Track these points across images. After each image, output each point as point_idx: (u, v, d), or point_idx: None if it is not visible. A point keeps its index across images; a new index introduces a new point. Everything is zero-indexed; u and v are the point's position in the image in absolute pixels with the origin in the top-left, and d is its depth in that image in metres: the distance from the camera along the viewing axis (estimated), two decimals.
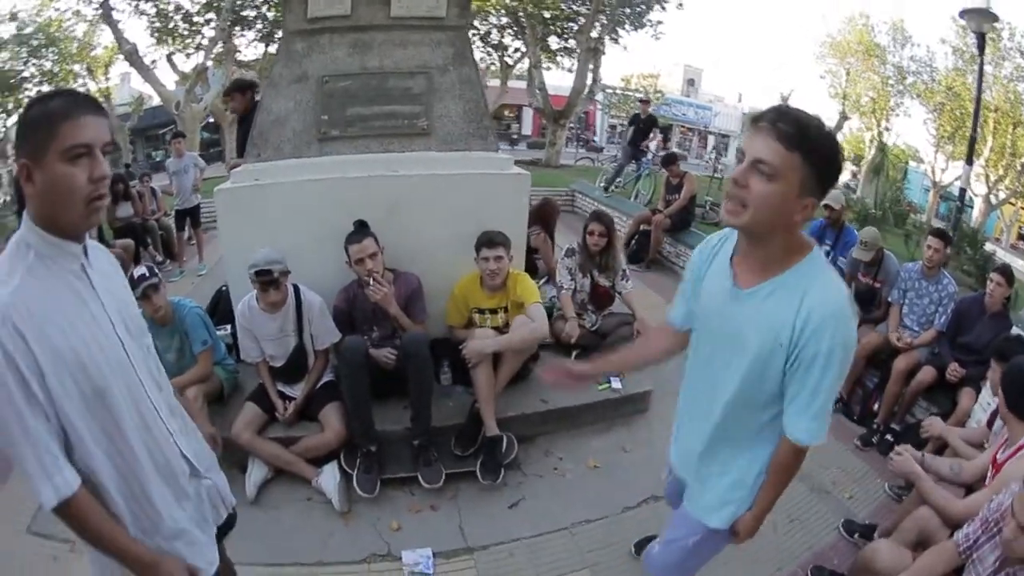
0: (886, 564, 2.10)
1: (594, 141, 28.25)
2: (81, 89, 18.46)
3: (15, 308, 1.08)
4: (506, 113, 29.90)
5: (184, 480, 1.36)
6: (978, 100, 8.32)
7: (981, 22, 7.74)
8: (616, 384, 3.50)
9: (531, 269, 4.41)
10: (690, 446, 1.60)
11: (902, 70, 19.17)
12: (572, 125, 16.91)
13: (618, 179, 10.54)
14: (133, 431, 1.23)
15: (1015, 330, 3.56)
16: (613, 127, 29.43)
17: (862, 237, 4.24)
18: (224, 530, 1.56)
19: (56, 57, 16.45)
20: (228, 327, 3.56)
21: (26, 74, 16.36)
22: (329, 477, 2.84)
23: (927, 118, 19.38)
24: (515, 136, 28.22)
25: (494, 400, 3.00)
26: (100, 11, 13.83)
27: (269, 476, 2.94)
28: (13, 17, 15.39)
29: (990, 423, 2.84)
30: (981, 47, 7.89)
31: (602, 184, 10.53)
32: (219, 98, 15.11)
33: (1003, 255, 11.05)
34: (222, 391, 3.23)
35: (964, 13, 7.92)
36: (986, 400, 3.15)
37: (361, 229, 3.04)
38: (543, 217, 4.82)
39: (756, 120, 1.26)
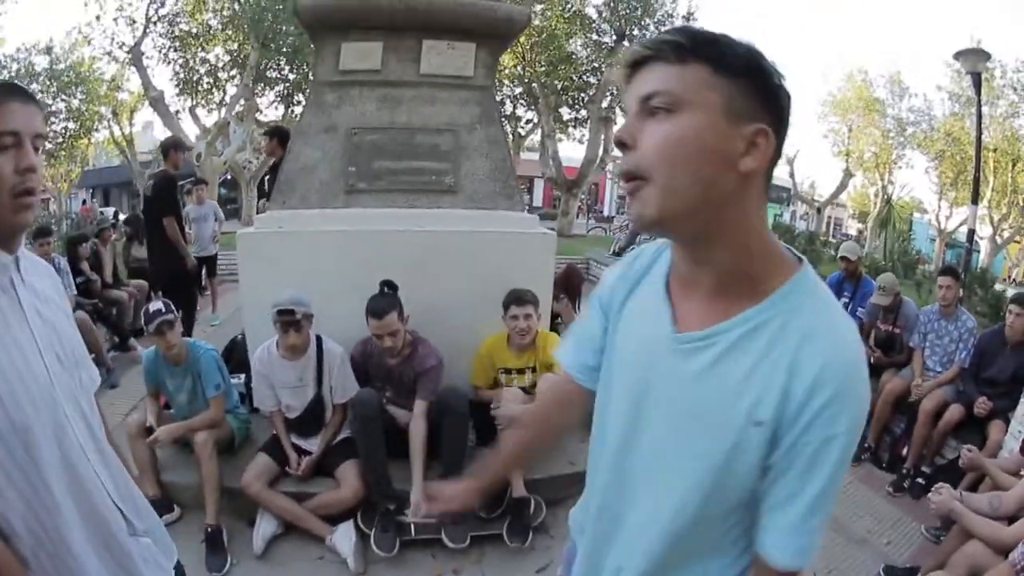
0: None
1: (601, 211, 28.65)
2: (104, 132, 19.18)
3: None
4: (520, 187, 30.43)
5: (121, 535, 1.18)
6: (979, 139, 8.50)
7: (975, 62, 7.99)
8: None
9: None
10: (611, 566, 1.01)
11: (902, 122, 19.87)
12: (583, 196, 17.26)
13: (632, 246, 10.71)
14: (54, 476, 1.06)
15: None
16: (623, 198, 29.78)
17: (879, 283, 4.33)
18: None
19: (84, 96, 17.10)
20: (242, 376, 3.51)
21: (54, 108, 16.91)
22: (344, 536, 2.72)
23: (928, 167, 20.10)
24: (527, 207, 28.60)
25: (534, 458, 2.91)
26: (130, 55, 14.37)
27: (279, 531, 2.82)
28: (48, 50, 16.04)
29: None
30: (977, 86, 8.11)
31: (616, 250, 10.75)
32: (239, 153, 15.56)
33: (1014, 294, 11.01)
34: (233, 440, 3.14)
35: (959, 55, 8.17)
36: (1017, 428, 3.24)
37: (385, 296, 2.91)
38: (568, 285, 4.85)
39: (628, 58, 0.81)
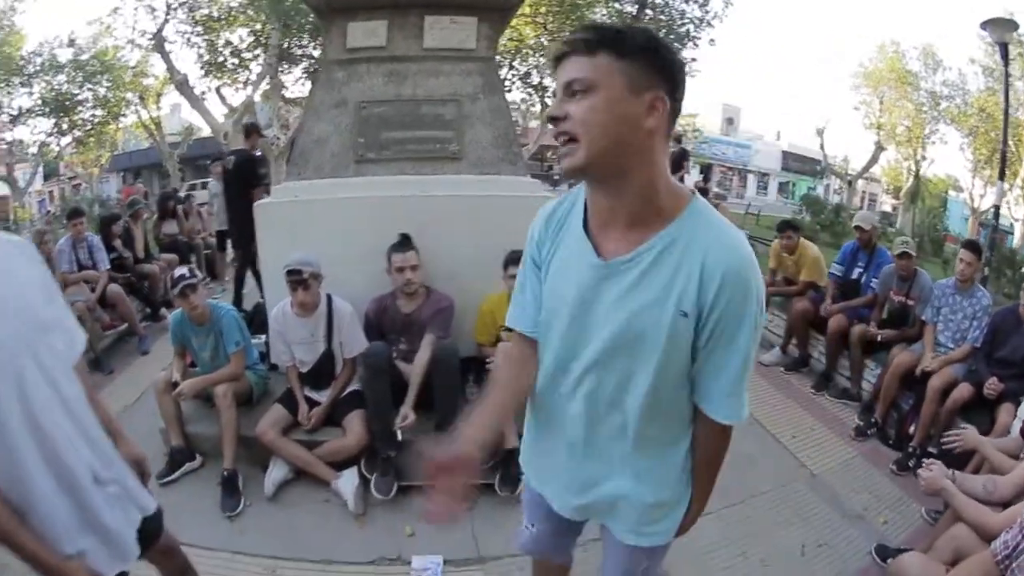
0: None
1: None
2: (132, 116, 19.59)
3: None
4: (548, 154, 30.25)
5: (87, 484, 1.34)
6: (1006, 111, 8.32)
7: (1003, 32, 7.77)
8: None
9: None
10: (587, 476, 1.29)
11: (935, 95, 19.13)
12: None
13: None
14: (19, 432, 1.21)
15: None
16: None
17: (898, 240, 4.32)
18: (147, 537, 1.54)
19: (110, 84, 17.29)
20: (263, 337, 3.74)
21: (81, 97, 17.19)
22: (348, 480, 2.93)
23: (962, 143, 19.26)
24: (557, 177, 28.56)
25: (515, 415, 3.06)
26: (153, 41, 14.60)
27: (289, 476, 3.05)
28: (71, 43, 16.27)
29: None
30: (1005, 57, 7.92)
31: None
32: (266, 130, 15.74)
33: None
34: (251, 394, 3.37)
35: (986, 24, 7.92)
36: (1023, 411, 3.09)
37: (406, 241, 3.19)
38: None
39: (553, 54, 1.08)
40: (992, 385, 3.36)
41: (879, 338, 4.23)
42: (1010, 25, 7.79)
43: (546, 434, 1.35)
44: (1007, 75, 8.19)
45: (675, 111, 1.05)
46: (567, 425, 1.27)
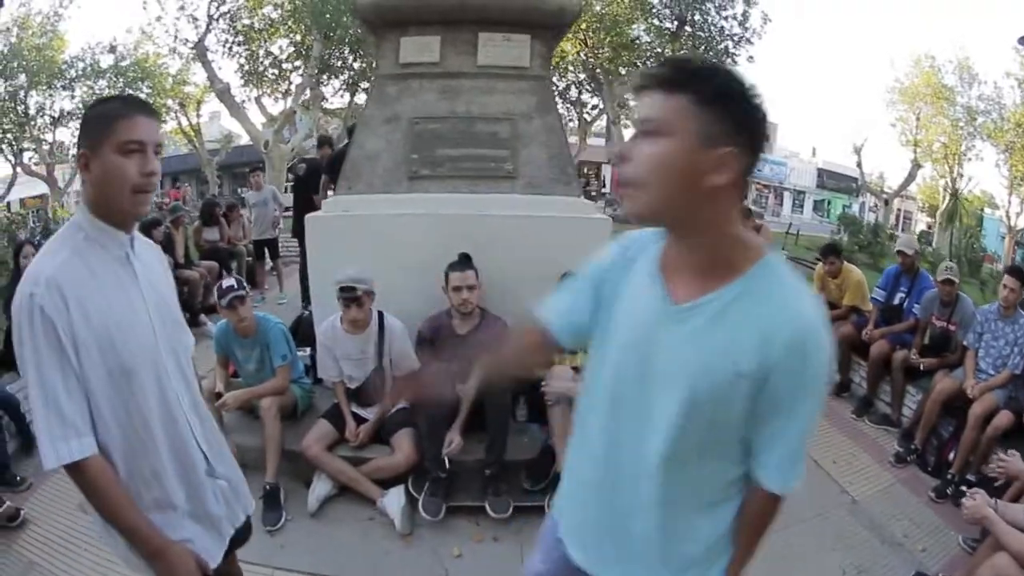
0: None
1: None
2: (172, 123, 20.04)
3: (61, 278, 1.18)
4: (585, 170, 30.35)
5: (201, 473, 1.40)
6: None
7: None
8: None
9: None
10: (613, 523, 1.19)
11: (972, 111, 18.70)
12: None
13: None
14: (154, 415, 1.29)
15: None
16: None
17: (943, 265, 4.30)
18: (237, 538, 1.57)
19: (151, 90, 17.56)
20: (307, 350, 3.73)
21: None
22: (394, 499, 2.89)
23: (998, 159, 18.83)
24: (594, 193, 28.52)
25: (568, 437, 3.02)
26: (194, 50, 14.92)
27: (333, 492, 3.02)
28: (112, 49, 16.65)
29: None
30: None
31: None
32: (306, 140, 16.00)
33: None
34: (296, 408, 3.36)
35: (1023, 40, 7.67)
36: None
37: (466, 260, 3.18)
38: None
39: (633, 85, 1.02)
40: None
41: (921, 367, 4.20)
42: None
43: (576, 474, 1.31)
44: None
45: (752, 163, 0.97)
46: (615, 463, 1.17)
